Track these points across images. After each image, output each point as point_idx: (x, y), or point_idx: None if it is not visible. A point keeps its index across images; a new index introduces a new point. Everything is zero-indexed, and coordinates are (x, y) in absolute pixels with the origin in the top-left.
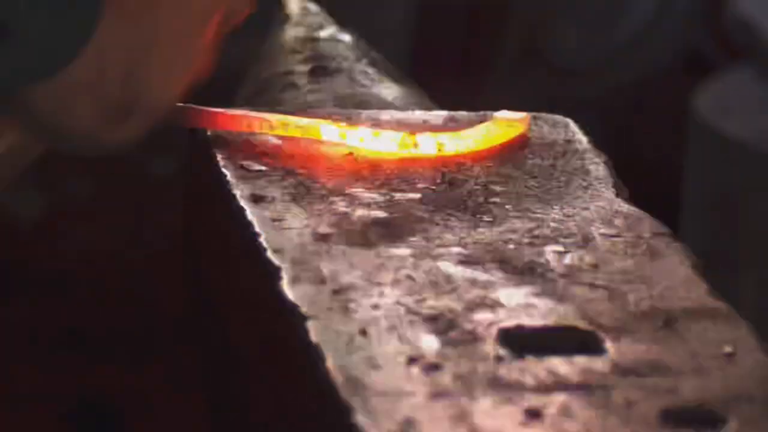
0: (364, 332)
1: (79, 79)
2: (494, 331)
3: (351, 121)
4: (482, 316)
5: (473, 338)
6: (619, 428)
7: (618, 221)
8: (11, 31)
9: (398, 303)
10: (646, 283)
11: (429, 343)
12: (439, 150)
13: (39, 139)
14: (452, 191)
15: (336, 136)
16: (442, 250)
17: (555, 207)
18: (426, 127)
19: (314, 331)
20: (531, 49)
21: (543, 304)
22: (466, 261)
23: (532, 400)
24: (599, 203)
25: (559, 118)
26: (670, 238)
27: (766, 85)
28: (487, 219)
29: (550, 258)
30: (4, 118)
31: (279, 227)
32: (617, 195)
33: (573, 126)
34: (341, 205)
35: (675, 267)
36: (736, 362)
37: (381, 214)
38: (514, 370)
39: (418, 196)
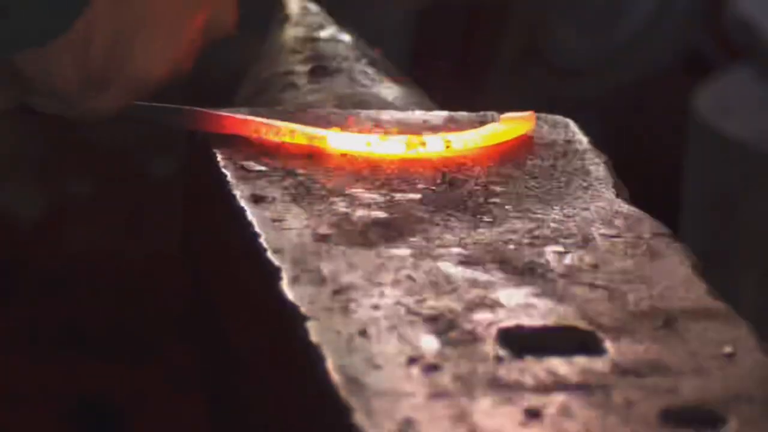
0: (364, 332)
1: (66, 45)
2: (494, 331)
3: (353, 122)
4: (482, 316)
5: (473, 338)
6: (619, 428)
7: (618, 221)
8: (3, 2)
9: (398, 303)
10: (646, 283)
11: (429, 343)
12: (447, 147)
13: (21, 95)
14: (452, 192)
15: (343, 144)
16: (442, 251)
17: (555, 207)
18: (427, 127)
19: (314, 332)
20: (531, 49)
21: (543, 304)
22: (466, 261)
23: (532, 400)
24: (599, 203)
25: (559, 118)
26: (670, 239)
27: (766, 85)
28: (487, 219)
29: (550, 258)
30: None
31: (279, 227)
32: (617, 195)
33: (573, 126)
34: (341, 206)
35: (675, 267)
36: (735, 362)
37: (381, 214)
38: (514, 370)
39: (418, 196)
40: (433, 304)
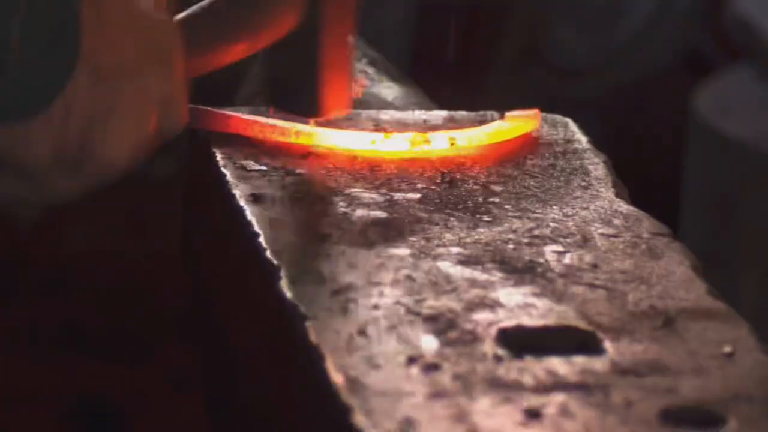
0: (363, 332)
1: (44, 123)
2: (493, 331)
3: (352, 122)
4: (482, 316)
5: (473, 338)
6: (619, 428)
7: (617, 221)
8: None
9: (398, 303)
10: (645, 283)
11: (428, 343)
12: (452, 145)
13: None
14: (452, 191)
15: (348, 142)
16: (441, 250)
17: (554, 207)
18: (427, 126)
19: (314, 331)
20: (531, 49)
21: (542, 304)
22: (465, 261)
23: (532, 400)
24: (599, 203)
25: (558, 118)
26: (669, 238)
27: (766, 85)
28: (487, 219)
29: (550, 258)
30: None
31: (278, 227)
32: (617, 195)
33: (573, 126)
34: (341, 205)
35: (674, 267)
36: (735, 362)
37: (381, 214)
38: (514, 370)
39: (417, 196)
40: (433, 303)
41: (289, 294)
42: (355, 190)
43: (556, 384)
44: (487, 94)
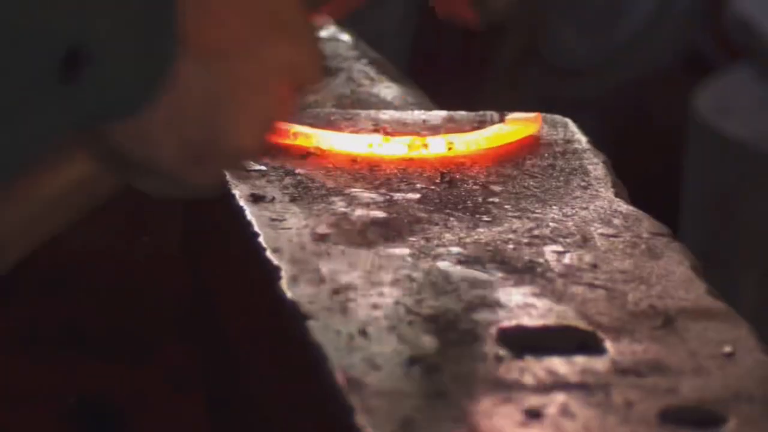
0: (363, 332)
1: (160, 119)
2: (494, 331)
3: (351, 122)
4: (482, 316)
5: (473, 338)
6: (619, 428)
7: (617, 221)
8: (93, 59)
9: (398, 303)
10: (645, 283)
11: (429, 343)
12: (450, 149)
13: (118, 175)
14: (451, 191)
15: (346, 145)
16: (441, 250)
17: (554, 207)
18: (426, 126)
19: (314, 331)
20: (531, 49)
21: (542, 304)
22: (465, 261)
23: (532, 400)
24: (598, 203)
25: (558, 118)
26: (669, 238)
27: (766, 85)
28: (487, 219)
29: (550, 258)
30: (80, 151)
31: (278, 227)
32: (616, 195)
33: (572, 126)
34: (341, 205)
35: (674, 267)
36: (735, 362)
37: (380, 214)
38: (514, 370)
39: (417, 196)
40: (433, 303)
41: (289, 294)
42: (355, 190)
43: (557, 384)
44: (487, 94)
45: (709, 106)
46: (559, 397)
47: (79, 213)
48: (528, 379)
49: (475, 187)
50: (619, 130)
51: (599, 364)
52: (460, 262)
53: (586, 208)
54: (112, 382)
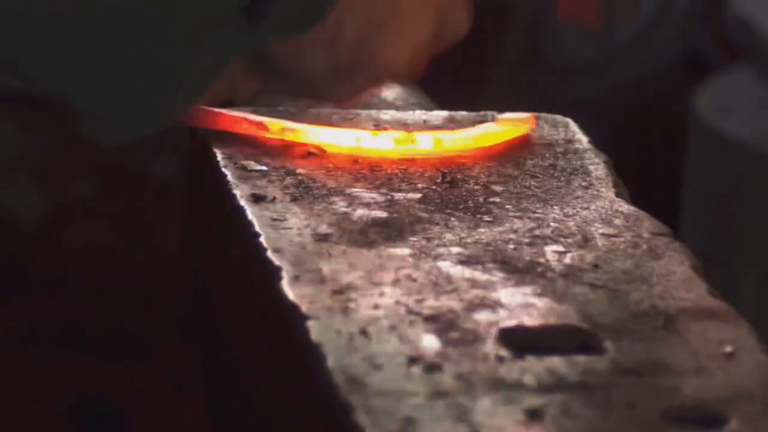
0: (364, 332)
1: (318, 36)
2: (494, 330)
3: (352, 122)
4: (482, 315)
5: (473, 338)
6: (620, 428)
7: (618, 221)
8: None
9: (398, 303)
10: (646, 283)
11: (429, 342)
12: (437, 146)
13: (276, 86)
14: (452, 191)
15: (333, 139)
16: (442, 250)
17: (555, 207)
18: (427, 126)
19: (314, 331)
20: (531, 49)
21: (543, 303)
22: (466, 261)
23: (533, 400)
24: (599, 203)
25: (559, 118)
26: (670, 238)
27: (766, 85)
28: (488, 219)
29: (551, 258)
30: (251, 66)
31: (279, 227)
32: (617, 195)
33: (573, 126)
34: (341, 205)
35: (675, 267)
36: (736, 362)
37: (381, 213)
38: (515, 369)
39: (418, 196)
40: (434, 303)
41: (289, 294)
42: (356, 190)
43: (558, 384)
44: (487, 94)
45: (709, 106)
46: (560, 397)
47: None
48: (529, 379)
49: (476, 187)
50: (618, 130)
51: (600, 364)
52: (461, 262)
53: (587, 208)
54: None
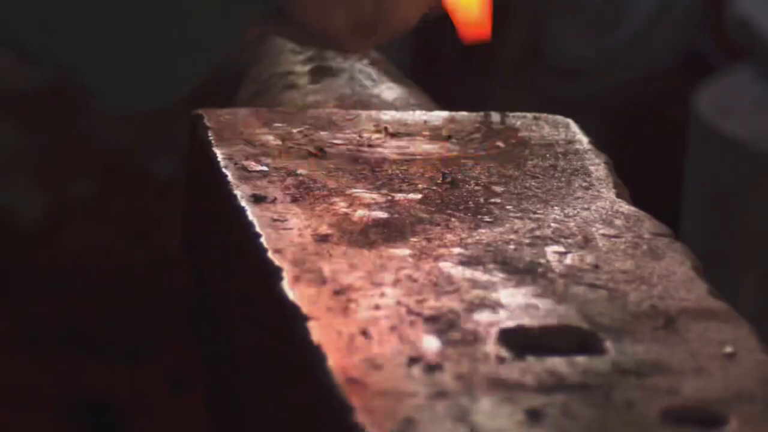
0: (364, 332)
1: None
2: (495, 331)
3: (353, 122)
4: (483, 316)
5: (474, 338)
6: (620, 428)
7: (618, 221)
8: None
9: (399, 303)
10: (646, 284)
11: (430, 343)
12: None
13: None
14: (453, 192)
15: None
16: (442, 251)
17: (556, 207)
18: (427, 127)
19: (315, 332)
20: (531, 49)
21: (543, 304)
22: (466, 261)
23: (533, 401)
24: (600, 204)
25: (560, 118)
26: (670, 238)
27: (766, 85)
28: (488, 219)
29: (551, 258)
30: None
31: (279, 228)
32: (618, 195)
33: (574, 126)
34: (342, 206)
35: (675, 267)
36: (736, 362)
37: (382, 214)
38: (515, 370)
39: (419, 196)
40: (434, 304)
41: (290, 294)
42: (356, 191)
43: (558, 384)
44: (487, 94)
45: (709, 106)
46: (560, 398)
47: None
48: (529, 380)
49: (476, 187)
50: (618, 130)
51: (600, 364)
52: (461, 263)
53: (587, 209)
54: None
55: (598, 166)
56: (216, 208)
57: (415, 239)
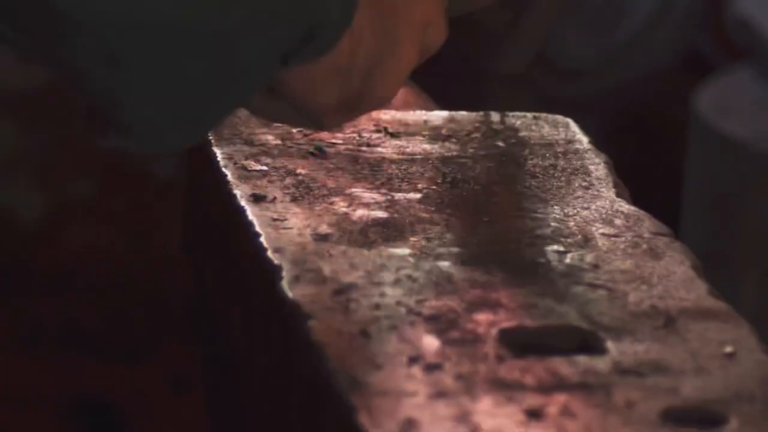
0: (364, 332)
1: (333, 67)
2: (495, 331)
3: (355, 124)
4: (483, 316)
5: (474, 338)
6: (620, 428)
7: (618, 221)
8: (320, 34)
9: (399, 303)
10: (646, 283)
11: (430, 343)
12: None
13: (272, 114)
14: (453, 191)
15: None
16: (442, 250)
17: (555, 207)
18: (427, 127)
19: (315, 331)
20: None
21: (543, 304)
22: (466, 261)
23: (533, 400)
24: (600, 203)
25: (560, 118)
26: (670, 238)
27: (766, 85)
28: (488, 219)
29: (551, 258)
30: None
31: (279, 227)
32: (618, 195)
33: (573, 126)
34: (342, 205)
35: (675, 267)
36: (736, 362)
37: (382, 214)
38: (515, 370)
39: (418, 196)
40: (434, 303)
41: (290, 294)
42: (356, 190)
43: (558, 384)
44: (487, 94)
45: (709, 106)
46: (560, 397)
47: None
48: (529, 379)
49: (476, 187)
50: (618, 130)
51: (600, 364)
52: (461, 262)
53: (587, 208)
54: (112, 382)
55: (597, 166)
56: (216, 208)
57: (414, 239)
